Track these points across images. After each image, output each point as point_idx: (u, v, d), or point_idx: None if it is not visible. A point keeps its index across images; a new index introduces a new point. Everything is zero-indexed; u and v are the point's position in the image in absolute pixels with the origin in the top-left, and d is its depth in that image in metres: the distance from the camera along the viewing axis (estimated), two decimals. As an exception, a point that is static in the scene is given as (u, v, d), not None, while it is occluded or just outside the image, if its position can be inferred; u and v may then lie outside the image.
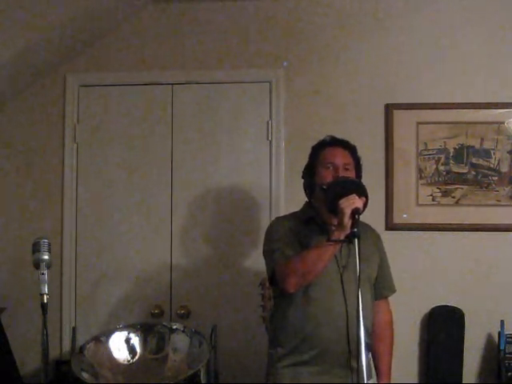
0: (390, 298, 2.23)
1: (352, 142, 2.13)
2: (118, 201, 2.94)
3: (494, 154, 2.80)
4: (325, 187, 1.96)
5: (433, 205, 2.81)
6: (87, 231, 2.95)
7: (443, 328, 2.72)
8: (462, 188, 2.81)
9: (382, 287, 2.17)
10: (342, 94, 2.88)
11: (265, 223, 2.48)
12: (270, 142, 2.89)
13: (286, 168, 2.87)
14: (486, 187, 2.80)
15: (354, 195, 1.83)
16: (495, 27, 2.82)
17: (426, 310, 2.79)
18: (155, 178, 2.93)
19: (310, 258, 1.91)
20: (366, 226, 2.15)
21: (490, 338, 2.74)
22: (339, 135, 2.15)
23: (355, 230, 1.75)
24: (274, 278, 2.02)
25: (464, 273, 2.77)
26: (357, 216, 1.79)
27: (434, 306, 2.76)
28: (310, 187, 2.11)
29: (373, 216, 2.17)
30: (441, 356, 2.70)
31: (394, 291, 2.23)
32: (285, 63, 2.89)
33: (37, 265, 1.91)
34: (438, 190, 2.82)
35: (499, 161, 2.80)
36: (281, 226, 2.11)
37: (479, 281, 2.76)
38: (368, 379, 1.70)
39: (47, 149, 2.97)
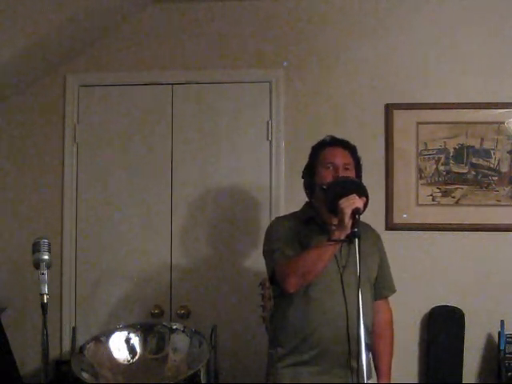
0: (390, 298, 2.23)
1: (352, 142, 2.13)
2: (118, 201, 2.94)
3: (493, 153, 2.80)
4: (325, 187, 1.96)
5: (433, 205, 2.81)
6: (87, 231, 2.94)
7: (443, 328, 2.72)
8: (461, 188, 2.81)
9: (382, 287, 2.17)
10: (342, 94, 2.87)
11: (265, 223, 2.48)
12: (270, 142, 2.89)
13: (286, 168, 2.87)
14: (486, 187, 2.80)
15: (355, 195, 1.83)
16: (495, 27, 2.82)
17: (426, 310, 2.79)
18: (155, 178, 2.93)
19: (310, 257, 1.92)
20: (366, 226, 2.15)
21: (490, 338, 2.74)
22: (339, 135, 2.15)
23: (355, 229, 1.76)
24: (274, 278, 2.02)
25: (464, 273, 2.77)
26: (357, 216, 1.79)
27: (434, 305, 2.76)
28: (310, 187, 2.11)
29: (373, 216, 2.17)
30: (441, 356, 2.70)
31: (394, 291, 2.23)
32: (285, 63, 2.89)
33: (37, 265, 1.91)
34: (437, 190, 2.82)
35: (499, 161, 2.80)
36: (281, 225, 2.12)
37: (479, 281, 2.76)
38: (368, 379, 1.70)
39: (47, 149, 2.97)
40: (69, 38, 2.77)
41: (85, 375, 2.22)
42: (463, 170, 2.81)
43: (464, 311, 2.73)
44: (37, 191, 2.96)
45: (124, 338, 2.47)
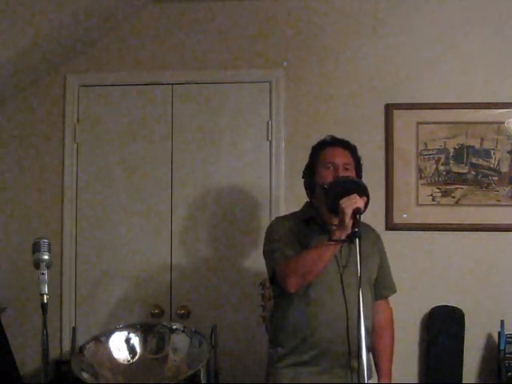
0: (390, 298, 2.23)
1: (352, 141, 2.13)
2: (118, 201, 2.94)
3: (494, 154, 2.80)
4: (326, 187, 1.96)
5: (433, 205, 2.81)
6: (87, 231, 2.94)
7: (443, 328, 2.72)
8: (461, 188, 2.81)
9: (382, 287, 2.17)
10: (342, 94, 2.87)
11: (265, 223, 2.48)
12: (270, 142, 2.89)
13: (286, 168, 2.87)
14: (486, 187, 2.80)
15: (355, 195, 1.83)
16: (495, 27, 2.82)
17: (426, 310, 2.79)
18: (155, 178, 2.93)
19: (311, 257, 1.91)
20: (367, 226, 2.15)
21: (489, 338, 2.74)
22: (339, 135, 2.15)
23: (356, 229, 1.75)
24: (275, 278, 2.02)
25: (464, 273, 2.78)
26: (358, 216, 1.79)
27: (434, 306, 2.76)
28: (310, 187, 2.11)
29: (373, 216, 2.18)
30: (441, 356, 2.70)
31: (394, 291, 2.23)
32: (285, 63, 2.89)
33: (37, 265, 1.91)
34: (438, 190, 2.82)
35: (499, 161, 2.80)
36: (281, 225, 2.11)
37: (479, 281, 2.76)
38: (368, 379, 1.70)
39: (47, 149, 2.97)
40: (69, 38, 2.77)
41: (85, 375, 2.22)
42: (463, 170, 2.81)
43: (464, 311, 2.73)
44: (37, 191, 2.96)
45: (124, 338, 2.46)
